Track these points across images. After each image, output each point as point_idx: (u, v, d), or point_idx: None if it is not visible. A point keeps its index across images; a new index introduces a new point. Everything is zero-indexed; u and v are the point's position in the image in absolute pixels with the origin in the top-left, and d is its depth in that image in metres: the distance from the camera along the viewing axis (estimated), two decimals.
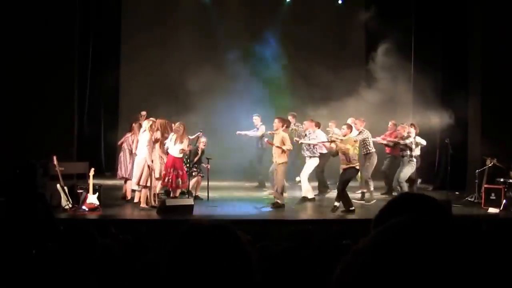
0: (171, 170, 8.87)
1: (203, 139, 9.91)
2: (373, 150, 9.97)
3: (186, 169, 9.25)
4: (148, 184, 8.49)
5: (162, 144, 9.09)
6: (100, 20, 12.58)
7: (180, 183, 8.97)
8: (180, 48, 12.92)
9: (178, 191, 9.17)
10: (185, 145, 9.02)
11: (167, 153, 9.15)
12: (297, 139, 9.91)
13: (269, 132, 10.17)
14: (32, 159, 7.18)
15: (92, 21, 12.33)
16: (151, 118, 9.04)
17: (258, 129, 11.00)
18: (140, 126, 9.20)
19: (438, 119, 10.47)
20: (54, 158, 8.28)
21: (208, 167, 9.78)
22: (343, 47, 13.41)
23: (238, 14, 13.05)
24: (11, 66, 10.13)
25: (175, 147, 8.90)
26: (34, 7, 10.25)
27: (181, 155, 9.04)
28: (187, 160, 9.48)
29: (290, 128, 10.38)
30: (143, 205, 8.46)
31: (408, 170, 9.69)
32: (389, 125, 10.80)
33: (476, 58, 11.25)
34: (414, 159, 9.72)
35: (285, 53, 12.99)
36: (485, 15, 10.93)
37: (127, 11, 13.44)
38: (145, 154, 8.45)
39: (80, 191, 8.39)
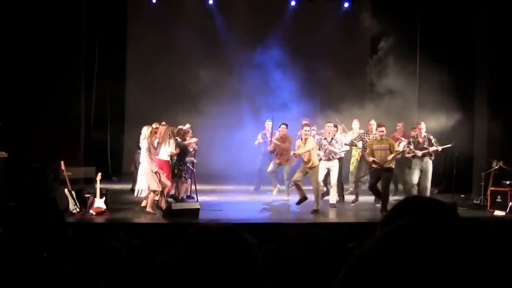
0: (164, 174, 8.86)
1: (193, 140, 9.88)
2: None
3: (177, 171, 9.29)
4: (157, 189, 8.54)
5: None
6: (106, 27, 12.68)
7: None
8: (185, 53, 13.01)
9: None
10: (172, 148, 9.03)
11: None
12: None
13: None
14: (42, 164, 7.27)
15: (98, 28, 12.45)
16: (153, 124, 9.06)
17: (271, 134, 10.98)
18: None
19: (443, 122, 10.47)
20: (62, 163, 8.38)
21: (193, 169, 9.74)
22: (348, 51, 13.44)
23: (244, 21, 13.13)
24: (20, 73, 10.25)
25: (162, 150, 8.91)
26: (41, 14, 10.37)
27: (168, 158, 9.06)
28: (174, 163, 9.38)
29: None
30: (149, 209, 8.52)
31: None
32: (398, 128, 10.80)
33: (483, 59, 11.23)
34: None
35: (290, 58, 13.02)
36: (492, 17, 10.92)
37: (133, 18, 13.55)
38: (148, 161, 8.50)
39: (88, 195, 8.47)
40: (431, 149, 9.43)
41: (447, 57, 11.63)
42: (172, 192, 9.48)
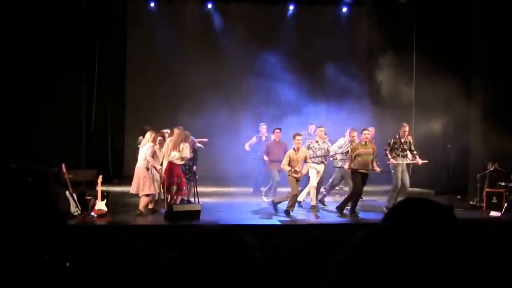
0: (171, 177, 8.86)
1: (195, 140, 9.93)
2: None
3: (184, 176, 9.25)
4: (151, 192, 8.64)
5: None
6: (107, 32, 12.79)
7: (175, 189, 8.91)
8: (185, 57, 13.12)
9: (179, 198, 9.15)
10: (185, 152, 8.99)
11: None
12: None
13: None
14: (43, 167, 7.37)
15: (99, 32, 12.56)
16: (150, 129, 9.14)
17: (266, 137, 11.01)
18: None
19: (439, 124, 10.58)
20: (63, 166, 8.48)
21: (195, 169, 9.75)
22: (346, 55, 13.54)
23: (243, 25, 13.21)
24: (21, 77, 10.38)
25: (174, 155, 8.91)
26: (43, 20, 10.51)
27: (181, 162, 9.04)
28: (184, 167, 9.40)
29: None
30: (142, 209, 8.60)
31: None
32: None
33: (477, 62, 11.35)
34: None
35: (289, 62, 13.10)
36: (486, 21, 11.04)
37: (132, 23, 13.65)
38: (147, 164, 8.63)
39: (89, 197, 8.56)
40: (404, 161, 9.48)
41: (442, 60, 11.74)
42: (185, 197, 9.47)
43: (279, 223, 8.31)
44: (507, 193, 9.26)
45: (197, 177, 9.78)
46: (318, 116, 11.42)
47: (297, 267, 4.37)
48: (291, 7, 13.71)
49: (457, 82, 10.79)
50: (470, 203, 9.97)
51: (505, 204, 9.15)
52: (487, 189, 9.56)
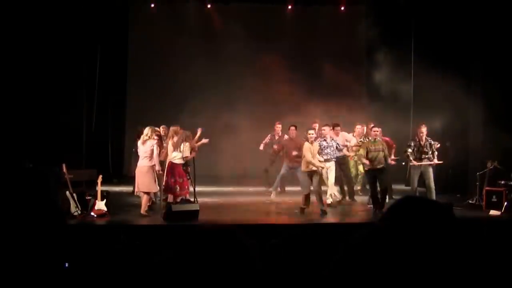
0: (172, 177, 8.84)
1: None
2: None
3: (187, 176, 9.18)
4: (148, 190, 8.64)
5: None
6: (108, 32, 12.80)
7: (178, 189, 8.89)
8: (185, 57, 13.13)
9: (179, 198, 9.07)
10: (186, 152, 8.93)
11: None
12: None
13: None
14: (43, 167, 7.36)
15: (100, 33, 12.57)
16: (154, 128, 9.11)
17: (279, 136, 11.13)
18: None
19: (439, 123, 10.57)
20: (63, 165, 8.48)
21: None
22: (344, 54, 13.55)
23: (242, 25, 13.22)
24: (21, 76, 10.39)
25: (175, 154, 8.89)
26: (45, 22, 10.53)
27: (181, 162, 9.00)
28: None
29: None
30: (143, 212, 8.61)
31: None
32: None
33: (477, 61, 11.35)
34: None
35: (288, 61, 13.11)
36: (485, 18, 11.05)
37: (133, 24, 13.67)
38: (150, 163, 8.63)
39: (89, 197, 8.56)
40: (424, 163, 9.35)
41: (441, 60, 11.74)
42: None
43: (278, 222, 8.32)
44: (507, 192, 9.24)
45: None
46: (317, 115, 11.42)
47: (296, 267, 4.39)
48: (289, 7, 13.73)
49: (456, 80, 10.80)
50: (470, 202, 9.94)
51: (505, 203, 9.13)
52: (487, 188, 9.54)
